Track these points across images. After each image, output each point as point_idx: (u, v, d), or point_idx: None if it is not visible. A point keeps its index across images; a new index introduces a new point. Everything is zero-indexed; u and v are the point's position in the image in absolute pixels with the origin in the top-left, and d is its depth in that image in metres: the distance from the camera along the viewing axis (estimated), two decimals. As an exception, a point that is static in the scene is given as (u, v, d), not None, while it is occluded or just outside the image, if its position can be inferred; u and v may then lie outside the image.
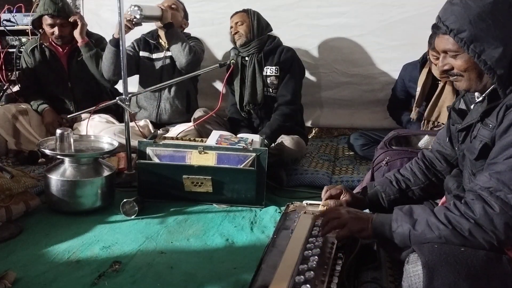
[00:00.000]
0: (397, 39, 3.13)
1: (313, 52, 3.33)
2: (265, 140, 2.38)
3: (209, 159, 2.13)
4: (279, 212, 2.06)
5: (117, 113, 2.94)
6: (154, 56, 2.93)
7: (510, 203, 1.08)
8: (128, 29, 2.54)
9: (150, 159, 2.18)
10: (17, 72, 3.39)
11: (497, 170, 1.13)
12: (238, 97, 2.78)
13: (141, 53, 2.93)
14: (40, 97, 2.97)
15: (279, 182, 2.39)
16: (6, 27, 3.54)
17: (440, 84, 2.52)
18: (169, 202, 2.16)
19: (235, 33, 2.72)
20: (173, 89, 2.92)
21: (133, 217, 2.02)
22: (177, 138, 2.40)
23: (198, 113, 2.79)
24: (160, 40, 2.93)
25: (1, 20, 3.55)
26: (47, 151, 2.07)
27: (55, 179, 2.02)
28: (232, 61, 2.57)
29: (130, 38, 2.86)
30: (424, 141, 2.15)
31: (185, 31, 3.04)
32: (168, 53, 2.88)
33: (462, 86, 1.28)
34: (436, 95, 2.52)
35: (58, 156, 2.09)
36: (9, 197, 1.89)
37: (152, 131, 2.75)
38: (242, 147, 2.14)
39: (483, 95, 1.26)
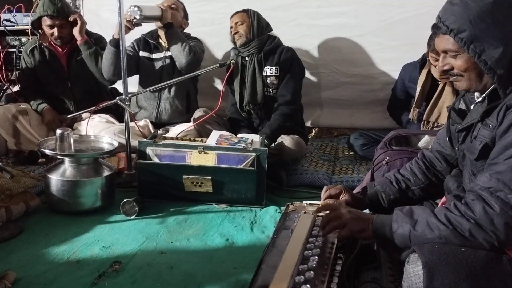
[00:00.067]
0: (397, 39, 3.13)
1: (313, 52, 3.33)
2: (265, 140, 2.38)
3: (209, 159, 2.13)
4: (279, 212, 2.06)
5: (117, 113, 2.94)
6: (154, 56, 2.93)
7: (510, 203, 1.08)
8: (128, 29, 2.54)
9: (150, 159, 2.18)
10: (17, 72, 3.39)
11: (498, 170, 1.13)
12: (238, 97, 2.78)
13: (141, 53, 2.93)
14: (39, 97, 2.97)
15: (279, 182, 2.39)
16: (6, 27, 3.54)
17: (440, 85, 2.52)
18: (169, 202, 2.16)
19: (235, 33, 2.72)
20: (173, 89, 2.92)
21: (133, 217, 2.02)
22: (177, 138, 2.40)
23: (198, 113, 2.79)
24: (160, 40, 2.93)
25: (1, 20, 3.55)
26: (47, 151, 2.07)
27: (55, 179, 2.02)
28: (232, 61, 2.57)
29: (130, 38, 2.86)
30: (424, 141, 2.14)
31: (185, 31, 3.04)
32: (168, 53, 2.88)
33: (462, 86, 1.28)
34: (436, 95, 2.52)
35: (58, 156, 2.09)
36: (9, 197, 1.89)
37: (152, 131, 2.75)
38: (242, 147, 2.14)
39: (483, 95, 1.26)
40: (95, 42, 2.96)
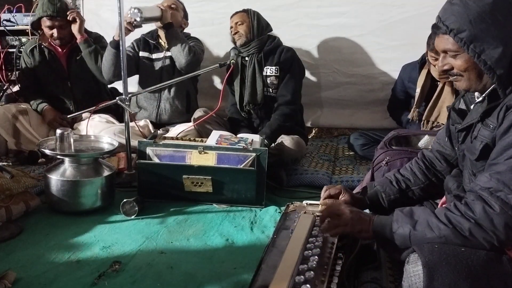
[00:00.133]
0: (397, 39, 3.14)
1: (313, 52, 3.33)
2: (265, 140, 2.38)
3: (209, 159, 2.13)
4: (279, 212, 2.06)
5: (117, 113, 2.94)
6: (154, 56, 2.93)
7: (510, 203, 1.08)
8: (128, 31, 2.56)
9: (150, 159, 2.18)
10: (17, 72, 3.39)
11: (498, 170, 1.13)
12: (238, 97, 2.78)
13: (141, 53, 2.93)
14: (39, 97, 2.96)
15: (279, 182, 2.39)
16: (6, 27, 3.54)
17: (440, 85, 2.53)
18: (169, 202, 2.16)
19: (235, 33, 2.72)
20: (173, 89, 2.92)
21: (133, 217, 2.02)
22: (177, 138, 2.40)
23: (198, 113, 2.79)
24: (160, 40, 2.93)
25: (1, 20, 3.55)
26: (47, 151, 2.07)
27: (55, 179, 2.02)
28: (232, 61, 2.57)
29: (130, 39, 2.86)
30: (424, 141, 2.15)
31: (185, 31, 3.04)
32: (168, 53, 2.88)
33: (462, 86, 1.28)
34: (436, 95, 2.52)
35: (58, 156, 2.09)
36: (9, 197, 1.89)
37: (152, 131, 2.75)
38: (242, 147, 2.14)
39: (483, 95, 1.26)
40: (95, 41, 2.96)
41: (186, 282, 1.52)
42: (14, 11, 3.58)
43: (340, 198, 1.55)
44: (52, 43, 2.95)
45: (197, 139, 2.39)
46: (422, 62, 2.65)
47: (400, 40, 3.12)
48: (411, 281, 1.08)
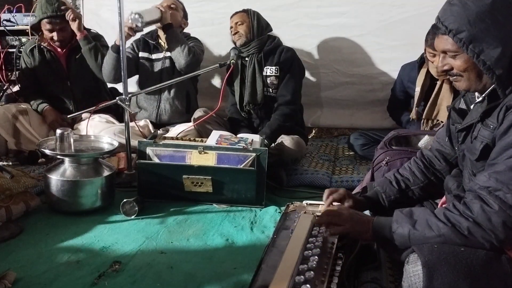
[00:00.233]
0: (397, 39, 3.14)
1: (313, 52, 3.34)
2: (265, 140, 2.38)
3: (209, 159, 2.13)
4: (279, 212, 2.06)
5: (117, 113, 2.94)
6: (154, 56, 2.93)
7: (509, 203, 1.08)
8: (129, 36, 2.58)
9: (150, 159, 2.18)
10: (17, 72, 3.38)
11: (497, 170, 1.13)
12: (238, 97, 2.78)
13: (141, 54, 2.93)
14: (39, 97, 2.96)
15: (279, 182, 2.39)
16: (6, 27, 3.54)
17: (438, 83, 2.53)
18: (169, 202, 2.16)
19: (235, 33, 2.72)
20: (173, 90, 2.92)
21: (133, 217, 2.02)
22: (177, 138, 2.40)
23: (198, 113, 2.79)
24: (160, 41, 2.93)
25: (1, 20, 3.55)
26: (47, 151, 2.07)
27: (55, 179, 2.02)
28: (232, 61, 2.57)
29: (130, 39, 2.85)
30: (424, 141, 2.15)
31: (185, 31, 3.04)
32: (168, 54, 2.87)
33: (461, 86, 1.28)
34: (435, 93, 2.53)
35: (58, 156, 2.09)
36: (9, 197, 1.89)
37: (152, 131, 2.75)
38: (242, 147, 2.14)
39: (483, 95, 1.26)
40: (93, 39, 2.96)
41: (186, 282, 1.52)
42: (14, 11, 3.58)
43: (345, 204, 1.53)
44: (51, 44, 2.95)
45: (197, 139, 2.39)
46: (421, 61, 2.65)
47: (400, 40, 3.12)
48: (411, 281, 1.08)
